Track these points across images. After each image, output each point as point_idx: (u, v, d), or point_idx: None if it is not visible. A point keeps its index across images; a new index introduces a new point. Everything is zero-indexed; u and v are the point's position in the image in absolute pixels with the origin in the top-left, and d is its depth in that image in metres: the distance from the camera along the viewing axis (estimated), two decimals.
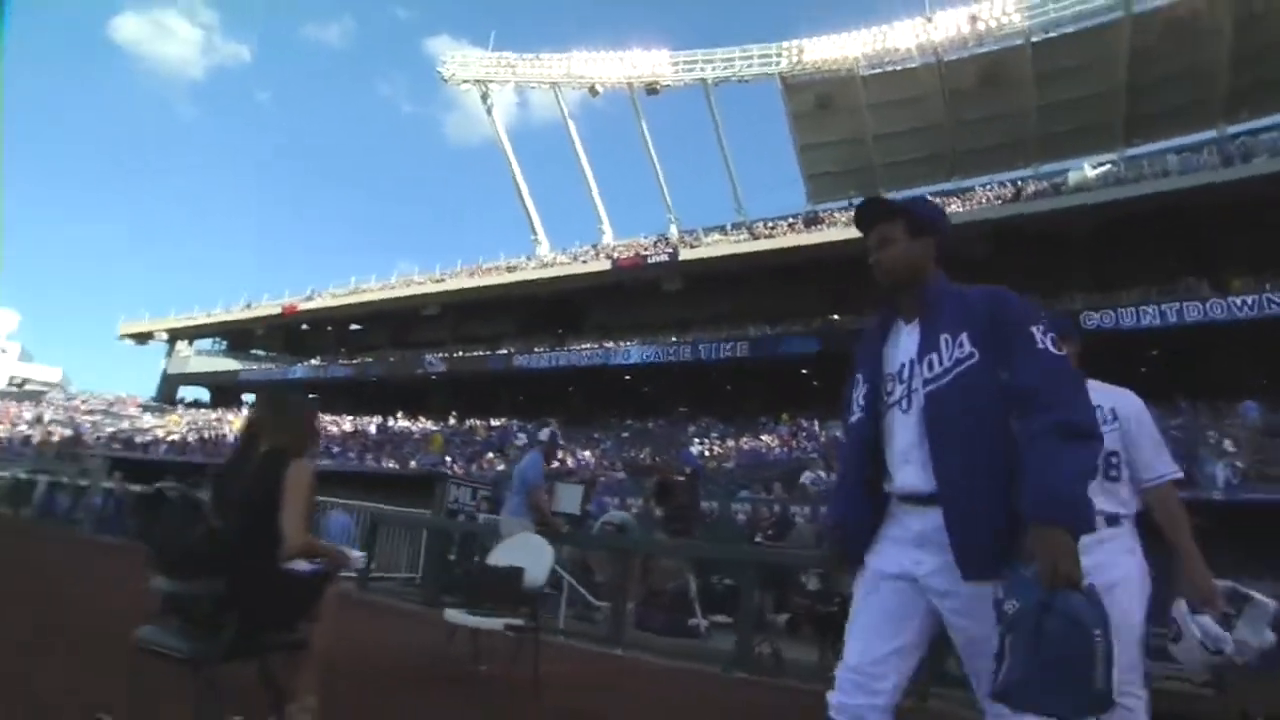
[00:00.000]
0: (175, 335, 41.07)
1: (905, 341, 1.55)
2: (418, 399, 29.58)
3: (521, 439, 19.57)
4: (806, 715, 2.22)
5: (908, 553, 1.44)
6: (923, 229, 1.60)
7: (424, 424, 26.33)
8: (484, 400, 28.17)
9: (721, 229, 34.49)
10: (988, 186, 28.80)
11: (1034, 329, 1.41)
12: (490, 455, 18.46)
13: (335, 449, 20.22)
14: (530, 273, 28.29)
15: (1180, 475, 2.17)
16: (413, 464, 15.13)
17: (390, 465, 15.38)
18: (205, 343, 41.67)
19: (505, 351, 27.58)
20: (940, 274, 1.59)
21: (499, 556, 3.35)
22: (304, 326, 37.55)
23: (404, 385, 29.61)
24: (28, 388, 47.09)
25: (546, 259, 32.09)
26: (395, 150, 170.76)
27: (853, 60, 31.56)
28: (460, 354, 28.25)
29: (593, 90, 34.78)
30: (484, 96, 35.60)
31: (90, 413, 36.90)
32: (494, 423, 25.36)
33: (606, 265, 26.72)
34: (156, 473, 14.61)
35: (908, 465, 1.47)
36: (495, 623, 2.93)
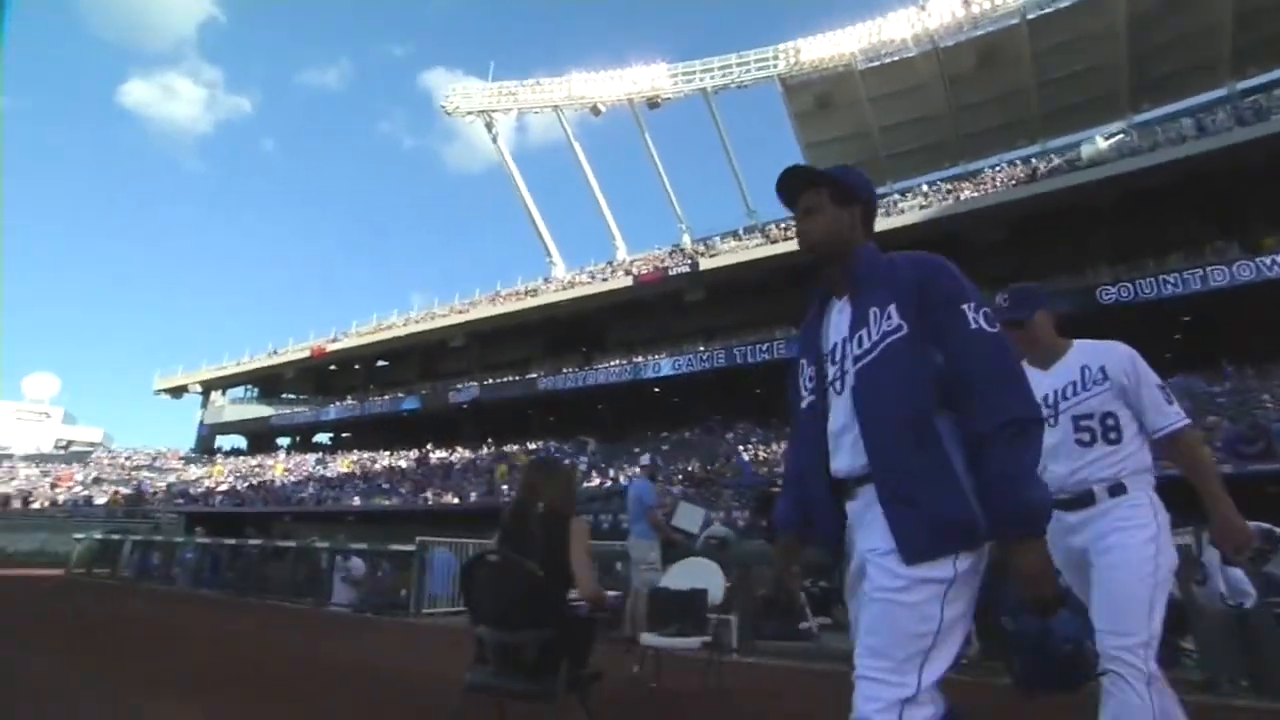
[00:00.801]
0: (208, 386, 41.88)
1: (837, 319, 1.48)
2: (451, 429, 30.00)
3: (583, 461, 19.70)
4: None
5: (857, 540, 1.40)
6: (849, 197, 1.53)
7: (461, 453, 26.71)
8: (516, 425, 28.54)
9: (734, 234, 34.81)
10: (997, 167, 28.86)
11: (965, 306, 1.34)
12: None
13: (386, 486, 20.54)
14: (552, 295, 28.67)
15: (1187, 422, 2.01)
16: (473, 496, 15.37)
17: (451, 499, 15.61)
18: (237, 391, 42.45)
19: (534, 375, 27.96)
20: (871, 245, 1.51)
21: (674, 580, 3.60)
22: (332, 367, 38.18)
23: (436, 416, 30.04)
24: (73, 449, 48.19)
25: (565, 280, 32.50)
26: (400, 184, 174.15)
27: (850, 56, 31.87)
28: (490, 381, 28.64)
29: (595, 110, 35.31)
30: (488, 126, 36.24)
31: (137, 468, 37.73)
32: (531, 446, 25.69)
33: (628, 282, 27.05)
34: (234, 524, 15.08)
35: (840, 450, 1.42)
36: (692, 642, 3.17)
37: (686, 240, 36.81)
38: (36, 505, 26.16)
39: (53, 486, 31.99)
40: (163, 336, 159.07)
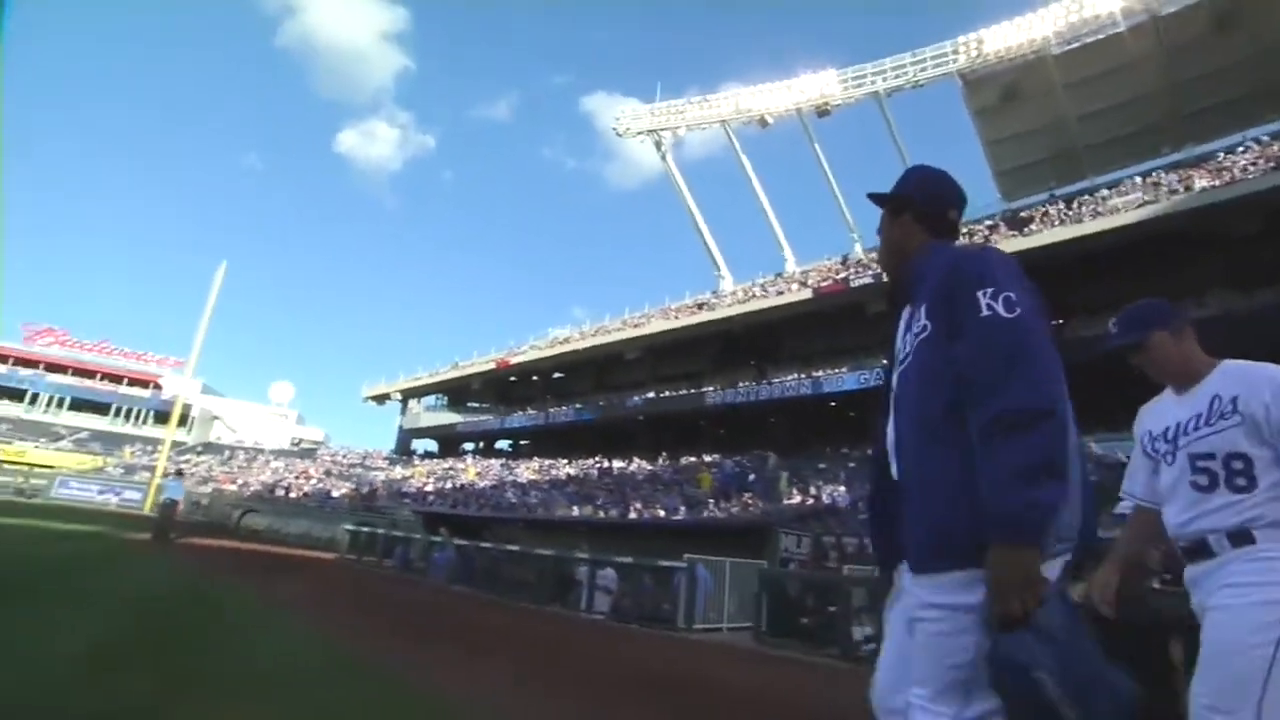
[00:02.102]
0: (406, 395, 47.09)
1: (900, 328, 1.44)
2: (625, 440, 31.27)
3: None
4: None
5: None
6: (898, 207, 1.52)
7: (639, 464, 27.75)
8: (688, 437, 29.16)
9: None
10: (1241, 148, 24.99)
11: (980, 292, 1.23)
12: (747, 495, 18.15)
13: (600, 497, 21.69)
14: (728, 309, 29.03)
15: None
16: (681, 511, 15.98)
17: (659, 513, 16.37)
18: (429, 399, 47.29)
19: (707, 388, 28.43)
20: (930, 245, 1.44)
21: None
22: (512, 379, 41.35)
23: (612, 427, 31.50)
24: (302, 447, 56.52)
25: (735, 293, 32.80)
26: (563, 204, 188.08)
27: (1042, 41, 29.33)
28: (666, 393, 29.56)
29: (762, 121, 35.41)
30: (658, 144, 37.57)
31: (351, 465, 43.29)
32: (706, 458, 26.13)
33: (806, 294, 26.73)
34: (473, 526, 16.87)
35: (893, 460, 1.36)
36: None
37: (858, 250, 35.63)
38: (294, 495, 31.14)
39: (297, 478, 37.69)
40: (369, 350, 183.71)
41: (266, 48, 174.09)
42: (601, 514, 17.92)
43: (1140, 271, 20.28)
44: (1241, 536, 1.61)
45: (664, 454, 27.46)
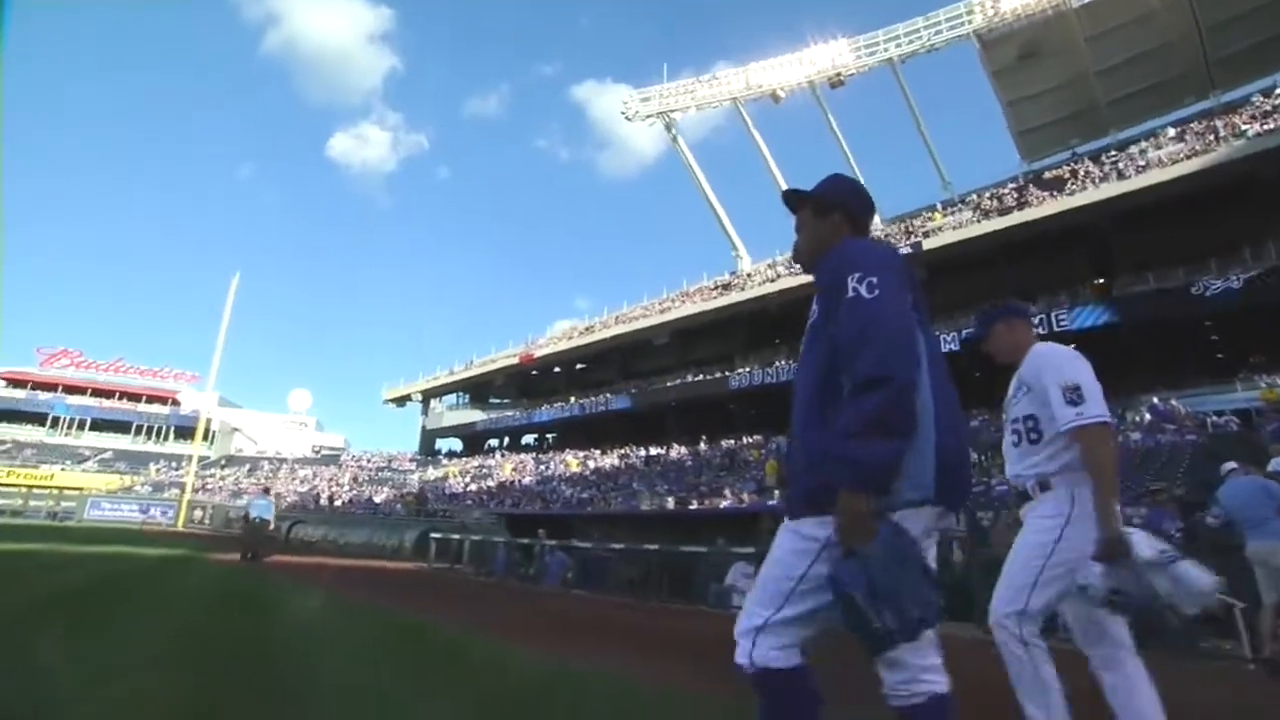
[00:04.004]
0: (427, 395, 46.89)
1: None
2: (657, 426, 31.05)
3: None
4: None
5: None
6: (827, 208, 1.63)
7: (678, 450, 27.55)
8: (721, 420, 28.90)
9: (931, 209, 32.78)
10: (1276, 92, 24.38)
11: (850, 278, 1.38)
12: None
13: (663, 485, 21.35)
14: (759, 289, 28.68)
15: (1085, 421, 2.04)
16: (745, 497, 15.76)
17: (727, 501, 16.15)
18: (451, 398, 47.09)
19: (744, 370, 28.14)
20: (843, 242, 1.56)
21: None
22: (534, 372, 41.08)
23: (647, 414, 31.27)
24: (323, 454, 56.47)
25: (764, 271, 32.41)
26: (561, 194, 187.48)
27: None
28: (701, 376, 29.28)
29: (774, 96, 34.83)
30: (668, 126, 37.00)
31: (378, 469, 43.21)
32: (746, 440, 25.90)
33: None
34: (529, 525, 16.57)
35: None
36: None
37: (877, 221, 35.23)
38: (337, 503, 31.10)
39: (329, 485, 37.63)
40: (380, 353, 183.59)
41: (251, 58, 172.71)
42: (673, 503, 17.71)
43: (1193, 221, 19.82)
44: (1045, 485, 2.14)
45: (704, 438, 27.24)
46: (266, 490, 15.86)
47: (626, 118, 37.59)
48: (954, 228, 25.40)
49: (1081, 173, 26.27)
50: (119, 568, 9.23)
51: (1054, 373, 2.16)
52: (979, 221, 25.09)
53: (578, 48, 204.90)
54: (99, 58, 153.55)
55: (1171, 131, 26.07)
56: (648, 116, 37.04)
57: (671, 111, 36.65)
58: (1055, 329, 19.32)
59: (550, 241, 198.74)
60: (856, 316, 1.36)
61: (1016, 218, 22.76)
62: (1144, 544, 1.95)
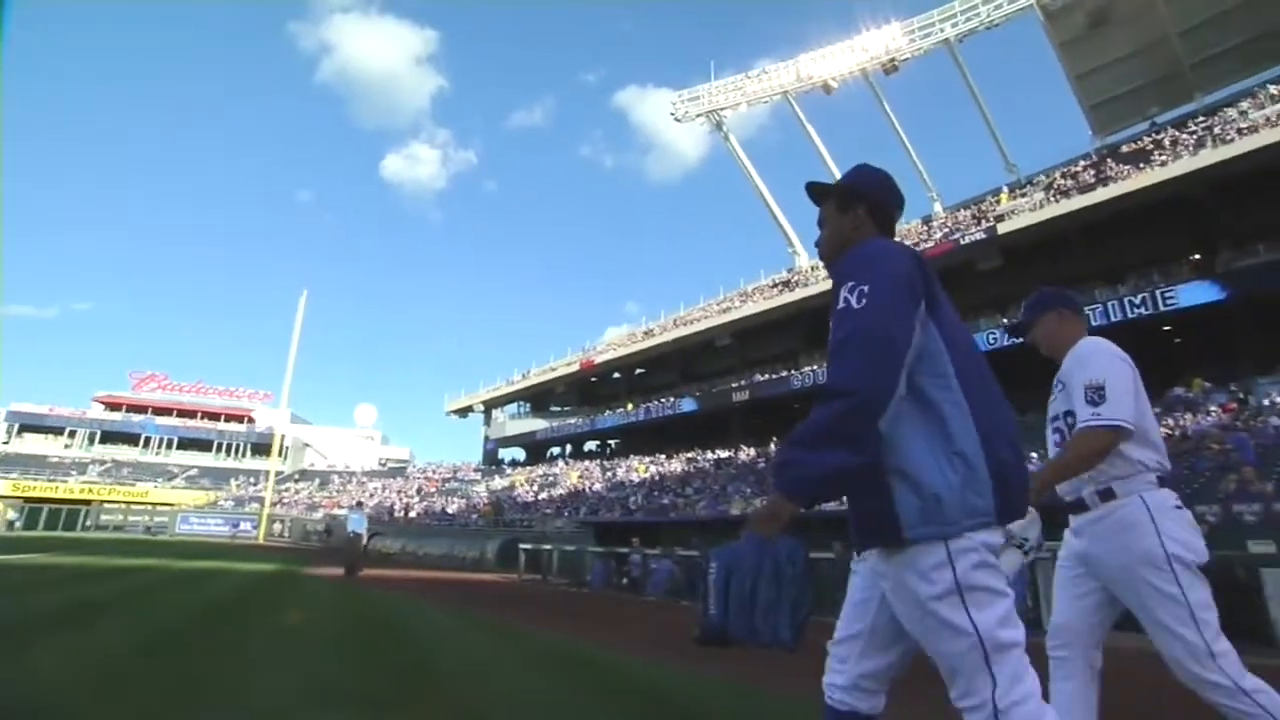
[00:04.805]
0: (489, 405, 47.66)
1: None
2: (721, 429, 30.68)
3: None
4: None
5: None
6: (851, 201, 1.56)
7: (747, 452, 27.16)
8: (785, 420, 28.30)
9: (996, 193, 31.45)
10: None
11: (844, 287, 1.34)
12: None
13: (746, 490, 20.89)
14: (820, 285, 28.02)
15: (1096, 422, 1.96)
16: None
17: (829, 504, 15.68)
18: (512, 407, 47.75)
19: (808, 368, 27.54)
20: (866, 241, 1.49)
21: None
22: (593, 379, 41.25)
23: (712, 417, 30.95)
24: (390, 465, 58.22)
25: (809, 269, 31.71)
26: (606, 201, 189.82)
27: None
28: (766, 377, 28.78)
29: (826, 87, 34.08)
30: (719, 125, 36.65)
31: (445, 480, 44.15)
32: None
33: None
34: (618, 533, 16.47)
35: None
36: None
37: (938, 209, 34.09)
38: (412, 515, 31.93)
39: (399, 496, 38.64)
40: (437, 365, 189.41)
41: (308, 86, 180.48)
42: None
43: None
44: (1108, 494, 2.02)
45: (774, 439, 26.75)
46: (359, 504, 16.25)
47: (676, 119, 37.43)
48: (1030, 209, 24.17)
49: (1167, 142, 24.70)
50: (229, 585, 9.53)
51: (1082, 370, 2.06)
52: (1055, 201, 23.84)
53: (619, 54, 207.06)
54: (174, 97, 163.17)
55: (1273, 90, 24.22)
56: (697, 116, 36.78)
57: (721, 110, 36.29)
58: (1161, 308, 18.16)
59: (598, 249, 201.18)
60: (840, 327, 1.32)
61: (1102, 194, 21.48)
62: (1015, 557, 1.82)
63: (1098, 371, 2.02)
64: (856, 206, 1.56)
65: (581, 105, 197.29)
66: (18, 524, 40.63)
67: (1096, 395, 1.98)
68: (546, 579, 14.20)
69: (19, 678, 3.09)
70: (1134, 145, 27.54)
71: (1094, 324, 19.05)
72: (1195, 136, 23.16)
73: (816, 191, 1.65)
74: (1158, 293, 18.44)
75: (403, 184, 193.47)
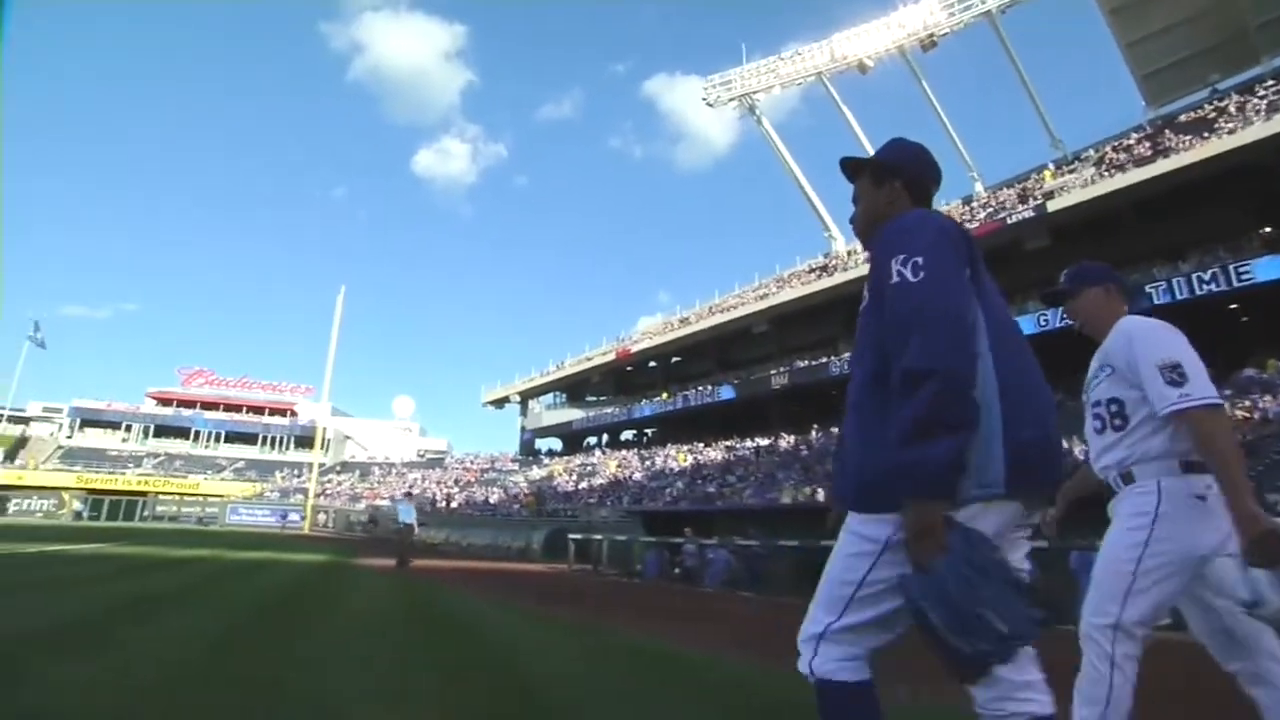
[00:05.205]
0: (525, 396, 48.02)
1: None
2: (760, 416, 30.35)
3: None
4: None
5: None
6: (886, 175, 1.54)
7: (787, 440, 26.85)
8: (823, 407, 27.83)
9: (1040, 170, 30.28)
10: None
11: (894, 260, 1.29)
12: None
13: (794, 478, 20.72)
14: (858, 270, 27.43)
15: (1191, 403, 1.78)
16: None
17: None
18: (548, 398, 48.03)
19: (847, 354, 27.00)
20: (901, 216, 1.43)
21: None
22: (629, 368, 41.19)
23: (751, 405, 30.66)
24: (429, 457, 59.23)
25: (863, 252, 31.00)
26: (636, 191, 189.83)
27: None
28: (805, 363, 28.35)
29: (861, 67, 33.19)
30: (751, 109, 36.02)
31: (483, 470, 44.69)
32: None
33: None
34: (668, 523, 16.36)
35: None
36: None
37: (979, 189, 33.01)
38: (454, 505, 32.45)
39: (438, 487, 39.25)
40: (472, 358, 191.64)
41: (339, 85, 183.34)
42: (822, 495, 17.15)
43: None
44: (1128, 476, 1.94)
45: (815, 426, 26.37)
46: (409, 495, 16.46)
47: (708, 104, 36.89)
48: (1081, 185, 23.21)
49: (1233, 108, 23.40)
50: (286, 576, 9.68)
51: (1148, 350, 1.90)
52: (1110, 175, 22.83)
53: (647, 42, 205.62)
54: (210, 103, 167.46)
55: None
56: (730, 100, 36.21)
57: (754, 93, 35.65)
58: (1236, 284, 17.27)
59: (629, 238, 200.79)
60: (900, 304, 1.26)
61: (1162, 165, 20.48)
62: None
63: (1167, 350, 1.90)
64: (892, 180, 1.53)
65: (610, 96, 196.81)
66: (84, 514, 42.73)
67: (1176, 375, 1.85)
68: (597, 569, 14.13)
69: (109, 680, 3.08)
70: (1193, 114, 26.18)
71: (1155, 303, 18.24)
72: (1267, 101, 21.89)
73: (851, 167, 1.62)
74: (1230, 268, 17.51)
75: (434, 179, 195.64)
